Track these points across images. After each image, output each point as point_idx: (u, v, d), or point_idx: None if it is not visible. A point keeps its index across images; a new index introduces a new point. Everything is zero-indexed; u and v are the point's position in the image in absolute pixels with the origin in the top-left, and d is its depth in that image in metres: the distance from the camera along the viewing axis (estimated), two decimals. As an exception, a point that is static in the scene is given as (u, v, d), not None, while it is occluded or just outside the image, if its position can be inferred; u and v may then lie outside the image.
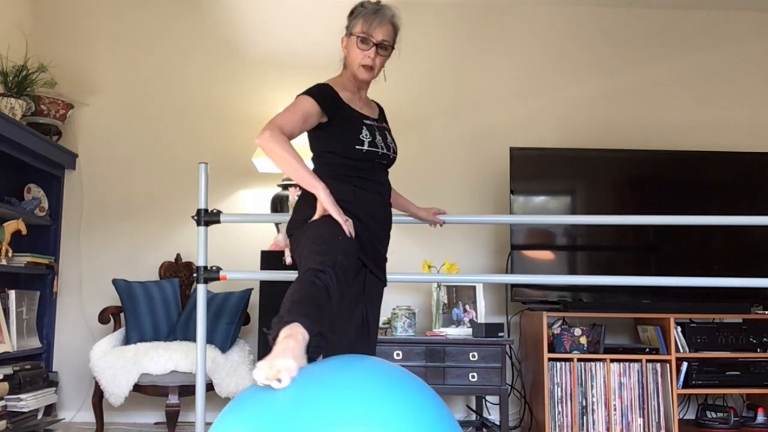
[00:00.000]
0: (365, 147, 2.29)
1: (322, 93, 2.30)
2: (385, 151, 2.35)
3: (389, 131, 2.47)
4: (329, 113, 2.28)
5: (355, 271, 2.20)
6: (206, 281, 2.82)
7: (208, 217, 2.85)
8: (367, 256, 2.27)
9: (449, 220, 2.94)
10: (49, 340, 4.11)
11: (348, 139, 2.29)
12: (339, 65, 2.45)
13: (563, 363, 3.81)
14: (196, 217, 2.85)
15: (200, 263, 2.83)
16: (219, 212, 2.87)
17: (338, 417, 1.32)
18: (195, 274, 2.82)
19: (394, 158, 2.43)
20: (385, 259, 2.41)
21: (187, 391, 3.55)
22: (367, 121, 2.36)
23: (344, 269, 2.01)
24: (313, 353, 1.68)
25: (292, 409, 1.36)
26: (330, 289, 1.90)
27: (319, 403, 1.36)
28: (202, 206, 2.86)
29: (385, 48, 2.34)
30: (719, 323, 3.97)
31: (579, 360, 3.82)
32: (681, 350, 3.86)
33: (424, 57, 4.52)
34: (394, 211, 2.48)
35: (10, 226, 3.69)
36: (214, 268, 2.83)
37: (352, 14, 2.38)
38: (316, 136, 2.37)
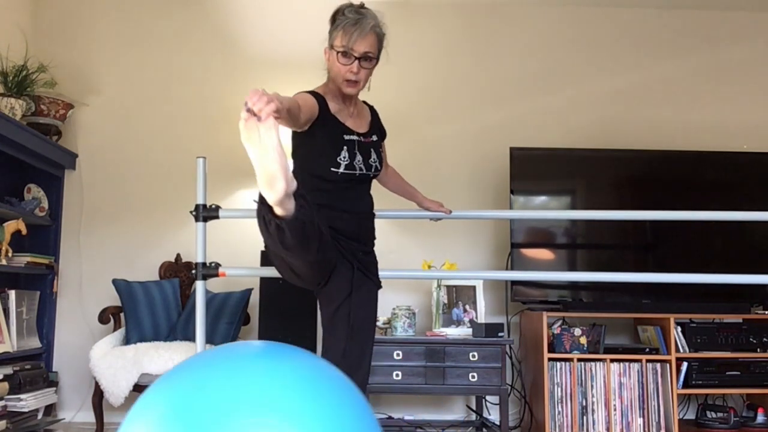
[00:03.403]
0: (341, 170, 2.24)
1: (320, 98, 2.26)
2: (363, 171, 2.30)
3: (377, 145, 2.39)
4: (318, 120, 2.23)
5: (336, 252, 2.21)
6: (205, 278, 2.80)
7: (206, 213, 2.83)
8: (349, 252, 2.27)
9: (449, 216, 2.95)
10: (49, 340, 4.11)
11: (324, 159, 2.24)
12: (324, 74, 2.35)
13: (563, 363, 3.81)
14: (194, 213, 2.83)
15: (199, 260, 2.82)
16: (218, 207, 2.85)
17: (242, 404, 1.26)
18: (194, 271, 2.81)
19: (376, 174, 2.39)
20: (372, 263, 2.39)
21: (186, 390, 3.55)
22: (351, 137, 2.30)
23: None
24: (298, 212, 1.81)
25: (194, 394, 1.30)
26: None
27: (226, 390, 1.29)
28: (201, 202, 2.84)
29: (369, 60, 2.24)
30: (719, 323, 3.97)
31: (579, 360, 3.81)
32: (681, 350, 3.86)
33: (423, 57, 4.52)
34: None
35: (10, 226, 3.69)
36: (213, 264, 2.82)
37: (333, 22, 2.27)
38: (298, 146, 2.33)
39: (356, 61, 2.21)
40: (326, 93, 2.30)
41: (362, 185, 2.38)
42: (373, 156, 2.35)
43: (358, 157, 2.29)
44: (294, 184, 1.76)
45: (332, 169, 2.24)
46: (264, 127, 1.67)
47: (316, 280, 2.26)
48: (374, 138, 2.40)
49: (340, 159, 2.24)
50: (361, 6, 2.28)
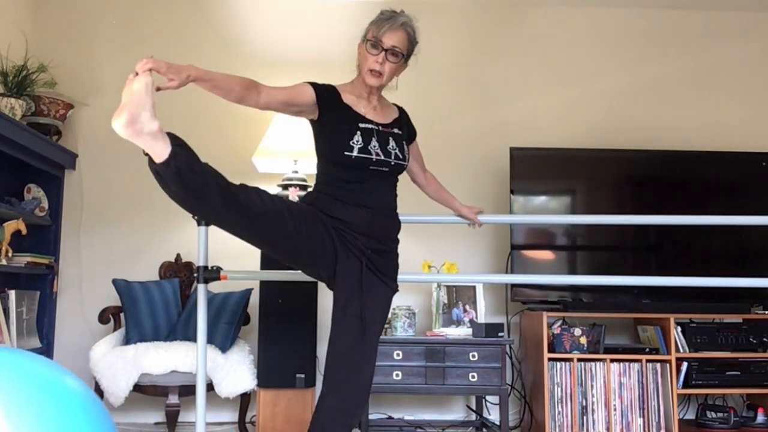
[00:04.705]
0: (354, 153, 2.26)
1: (322, 87, 2.34)
2: (381, 157, 2.31)
3: (399, 137, 2.41)
4: (322, 108, 2.30)
5: (314, 234, 2.23)
6: (206, 281, 2.81)
7: (208, 217, 2.85)
8: (356, 248, 2.29)
9: (449, 220, 2.98)
10: (49, 340, 4.11)
11: (338, 144, 2.28)
12: (346, 67, 2.46)
13: (563, 363, 3.81)
14: (196, 217, 2.84)
15: (200, 263, 2.82)
16: (219, 212, 2.85)
17: None
18: (195, 274, 2.82)
19: (399, 166, 2.38)
20: (388, 265, 2.41)
21: (187, 391, 3.55)
22: (366, 125, 2.33)
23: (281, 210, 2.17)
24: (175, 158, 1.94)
25: None
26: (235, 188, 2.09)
27: None
28: (203, 206, 2.85)
29: (396, 54, 2.32)
30: (719, 323, 3.97)
31: (579, 360, 3.82)
32: (681, 350, 3.86)
33: (423, 58, 4.49)
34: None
35: (10, 226, 3.69)
36: (214, 268, 2.83)
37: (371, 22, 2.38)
38: (315, 138, 2.40)
39: (383, 53, 2.30)
40: (346, 86, 2.40)
41: (382, 179, 2.36)
42: (392, 144, 2.36)
43: (374, 143, 2.31)
44: (152, 125, 1.88)
45: (345, 152, 2.27)
46: (137, 79, 1.91)
47: (298, 265, 2.35)
48: (396, 130, 2.42)
49: (353, 143, 2.28)
50: (401, 11, 2.39)
